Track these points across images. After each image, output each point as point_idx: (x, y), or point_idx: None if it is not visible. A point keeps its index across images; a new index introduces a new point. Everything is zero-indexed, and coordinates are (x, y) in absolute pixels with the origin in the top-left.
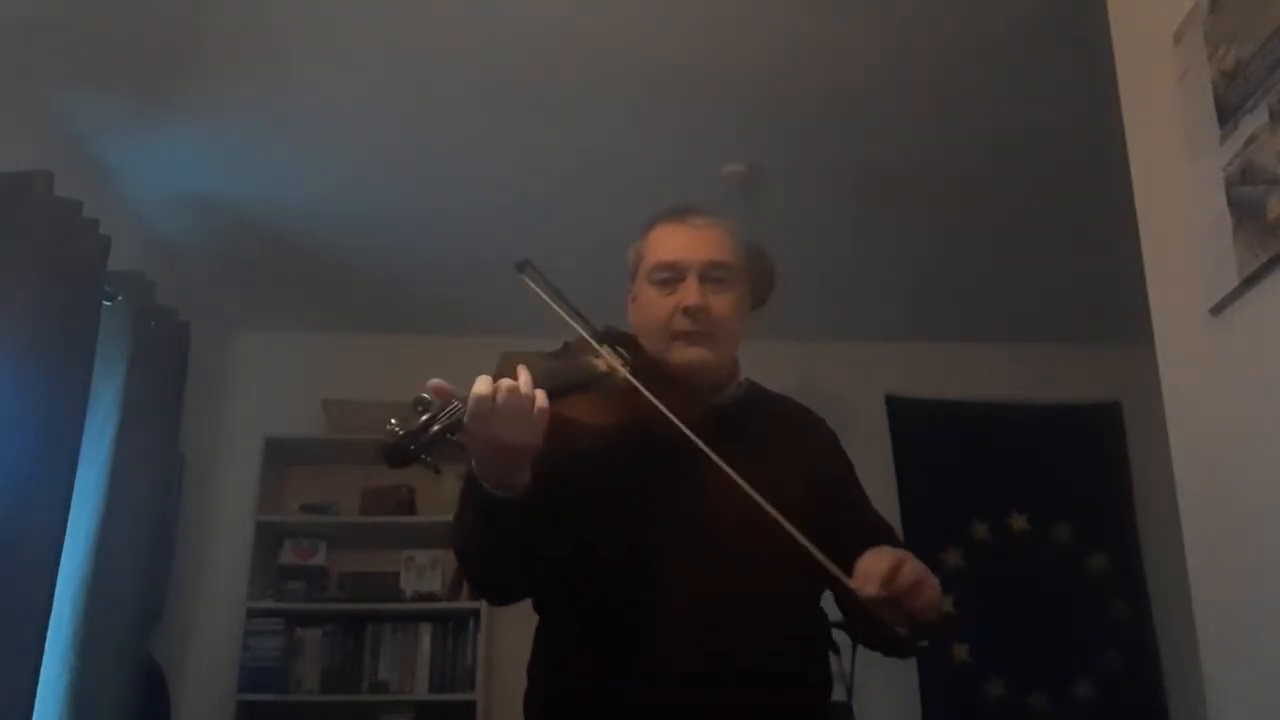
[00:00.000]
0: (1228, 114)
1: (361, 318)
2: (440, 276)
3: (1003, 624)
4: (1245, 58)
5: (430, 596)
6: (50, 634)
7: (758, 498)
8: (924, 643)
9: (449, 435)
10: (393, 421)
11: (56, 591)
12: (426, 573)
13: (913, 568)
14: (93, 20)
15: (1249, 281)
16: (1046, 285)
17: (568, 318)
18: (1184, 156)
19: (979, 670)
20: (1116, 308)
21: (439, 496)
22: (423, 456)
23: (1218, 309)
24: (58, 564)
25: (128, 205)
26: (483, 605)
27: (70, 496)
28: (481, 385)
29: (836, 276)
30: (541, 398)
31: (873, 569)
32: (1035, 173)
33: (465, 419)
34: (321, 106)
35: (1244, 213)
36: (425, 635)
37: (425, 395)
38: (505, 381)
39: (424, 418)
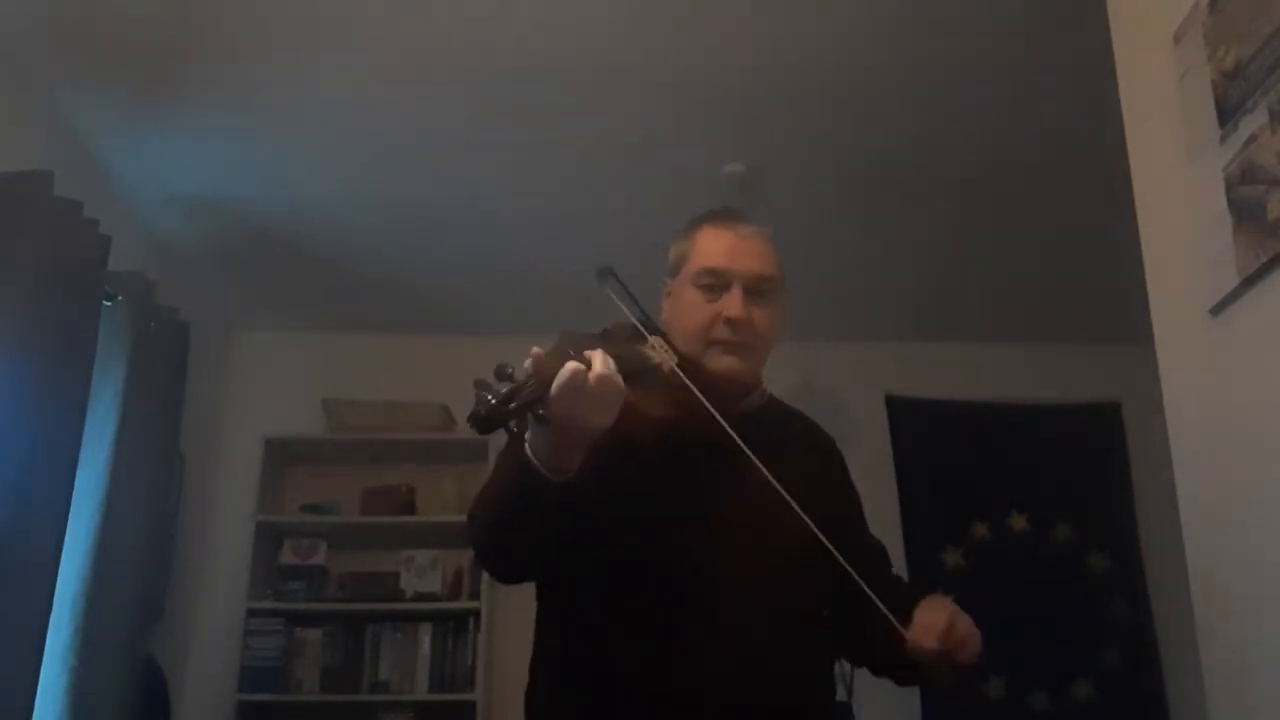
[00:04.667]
0: (1228, 114)
1: (361, 318)
2: (440, 276)
3: (1003, 624)
4: (1245, 58)
5: (430, 596)
6: (50, 634)
7: (796, 507)
8: (950, 681)
9: (535, 409)
10: (486, 383)
11: (56, 591)
12: (426, 573)
13: (966, 623)
14: (93, 20)
15: (1249, 281)
16: (1046, 285)
17: (631, 315)
18: (1184, 156)
19: (979, 670)
20: (1116, 308)
21: (439, 496)
22: (510, 424)
23: (1218, 309)
24: (58, 564)
25: (128, 205)
26: (483, 605)
27: (70, 496)
28: (574, 362)
29: (836, 276)
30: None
31: (932, 624)
32: (1035, 172)
33: (554, 393)
34: (321, 107)
35: (1244, 213)
36: (425, 635)
37: (507, 364)
38: (597, 359)
39: (511, 386)
